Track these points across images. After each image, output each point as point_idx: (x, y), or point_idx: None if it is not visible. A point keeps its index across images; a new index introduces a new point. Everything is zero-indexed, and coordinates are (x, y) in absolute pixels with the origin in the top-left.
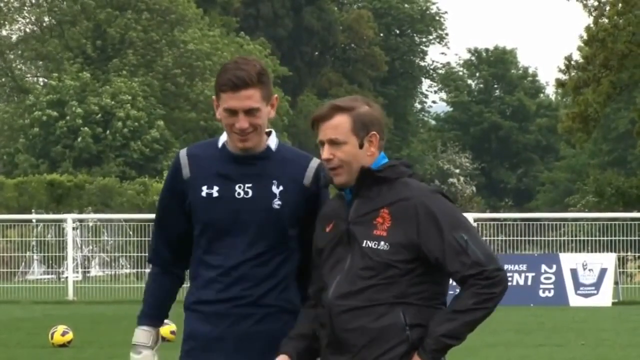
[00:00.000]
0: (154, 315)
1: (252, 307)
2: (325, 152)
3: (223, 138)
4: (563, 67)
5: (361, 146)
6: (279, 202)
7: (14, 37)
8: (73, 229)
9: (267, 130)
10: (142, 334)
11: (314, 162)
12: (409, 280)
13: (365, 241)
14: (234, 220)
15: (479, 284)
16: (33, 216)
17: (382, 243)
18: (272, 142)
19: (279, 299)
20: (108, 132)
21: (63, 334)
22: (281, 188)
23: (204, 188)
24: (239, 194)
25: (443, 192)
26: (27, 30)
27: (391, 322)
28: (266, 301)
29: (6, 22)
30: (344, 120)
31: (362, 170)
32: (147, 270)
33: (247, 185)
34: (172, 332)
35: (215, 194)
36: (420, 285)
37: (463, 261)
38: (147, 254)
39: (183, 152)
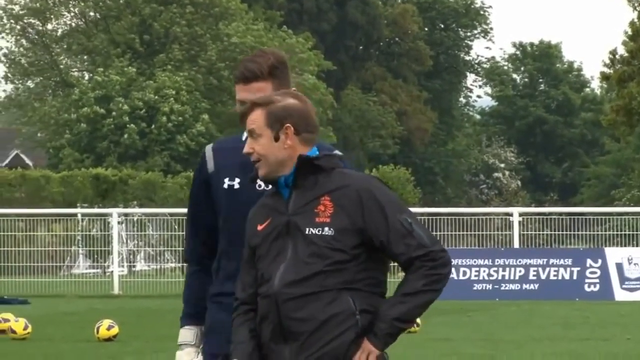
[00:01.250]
0: (196, 314)
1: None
2: (246, 147)
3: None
4: (608, 61)
5: (277, 139)
6: None
7: (60, 31)
8: (118, 223)
9: None
10: (186, 333)
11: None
12: (356, 267)
13: (308, 229)
14: None
15: (427, 265)
16: (78, 210)
17: (327, 229)
18: None
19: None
20: (153, 126)
21: (108, 328)
22: None
23: (226, 180)
24: (259, 185)
25: (380, 179)
26: (73, 24)
27: (341, 308)
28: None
29: (52, 16)
30: (259, 114)
31: (300, 158)
32: None
33: None
34: None
35: (237, 186)
36: (366, 271)
37: (409, 243)
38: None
39: (209, 147)
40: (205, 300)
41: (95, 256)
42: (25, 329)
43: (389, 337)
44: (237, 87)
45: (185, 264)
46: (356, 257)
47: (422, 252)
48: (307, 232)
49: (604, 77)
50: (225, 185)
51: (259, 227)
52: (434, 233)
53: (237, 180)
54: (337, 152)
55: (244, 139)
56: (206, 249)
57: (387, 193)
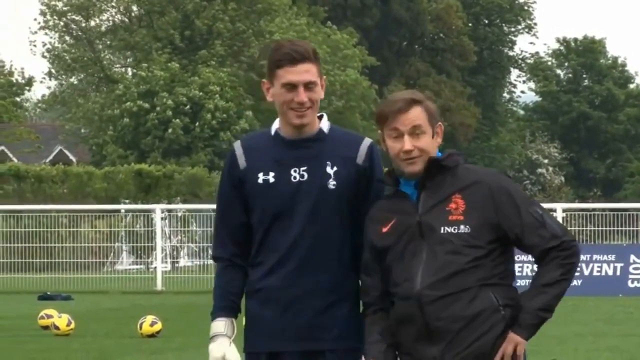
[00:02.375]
0: (226, 307)
1: (315, 294)
2: (406, 144)
3: (275, 125)
4: None
5: (433, 136)
6: (334, 182)
7: (103, 27)
8: (162, 219)
9: (318, 114)
10: (217, 324)
11: (367, 141)
12: (492, 262)
13: (442, 228)
14: (292, 204)
15: (561, 255)
16: (121, 206)
17: (462, 227)
18: (325, 125)
19: (341, 283)
20: (197, 123)
21: (152, 324)
22: (335, 168)
23: (260, 175)
24: (294, 177)
25: (506, 173)
26: (116, 20)
27: (484, 305)
28: (330, 287)
29: (95, 12)
30: (419, 111)
31: (430, 160)
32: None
33: (302, 168)
34: None
35: (272, 180)
36: (501, 265)
37: (542, 234)
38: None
39: (237, 144)
40: (235, 294)
41: (139, 252)
42: (68, 325)
43: (533, 327)
44: (282, 71)
45: (214, 262)
46: (491, 252)
47: (556, 242)
48: (442, 231)
49: None
50: (260, 180)
51: (383, 230)
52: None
53: (272, 174)
54: (453, 149)
55: (272, 133)
56: (236, 246)
57: (515, 186)
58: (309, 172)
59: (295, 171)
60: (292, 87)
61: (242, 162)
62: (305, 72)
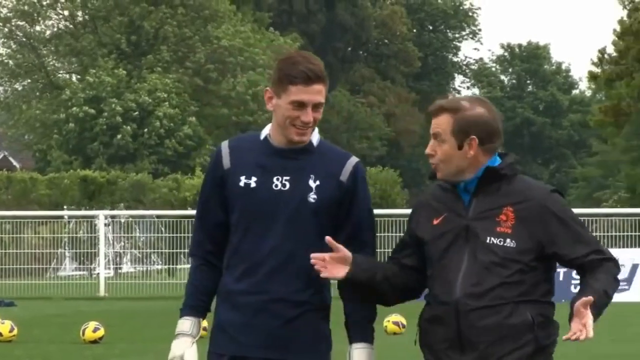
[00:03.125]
0: (195, 306)
1: (285, 303)
2: (429, 147)
3: (266, 131)
4: (596, 60)
5: (460, 147)
6: (315, 196)
7: (48, 33)
8: (105, 225)
9: None
10: (183, 323)
11: (353, 160)
12: (533, 278)
13: (488, 237)
14: (270, 212)
15: (611, 266)
16: (65, 212)
17: (508, 240)
18: (314, 137)
19: (312, 297)
20: (145, 130)
21: (94, 330)
22: (318, 182)
23: (242, 178)
24: (276, 185)
25: (559, 191)
26: (61, 26)
27: (520, 320)
28: (300, 298)
29: (40, 18)
30: (446, 120)
31: (487, 169)
32: (179, 267)
33: (285, 177)
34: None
35: (253, 185)
36: (541, 283)
37: (589, 246)
38: (179, 250)
39: (225, 143)
40: (206, 294)
41: (82, 258)
42: (11, 331)
43: (599, 312)
44: (295, 88)
45: (190, 258)
46: (533, 269)
47: (601, 256)
48: (487, 241)
49: (592, 76)
50: (242, 183)
51: (435, 221)
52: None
53: (254, 179)
54: (513, 156)
55: (262, 138)
56: (212, 245)
57: (564, 206)
58: (291, 182)
59: (277, 179)
60: (301, 105)
61: (226, 162)
62: (317, 93)
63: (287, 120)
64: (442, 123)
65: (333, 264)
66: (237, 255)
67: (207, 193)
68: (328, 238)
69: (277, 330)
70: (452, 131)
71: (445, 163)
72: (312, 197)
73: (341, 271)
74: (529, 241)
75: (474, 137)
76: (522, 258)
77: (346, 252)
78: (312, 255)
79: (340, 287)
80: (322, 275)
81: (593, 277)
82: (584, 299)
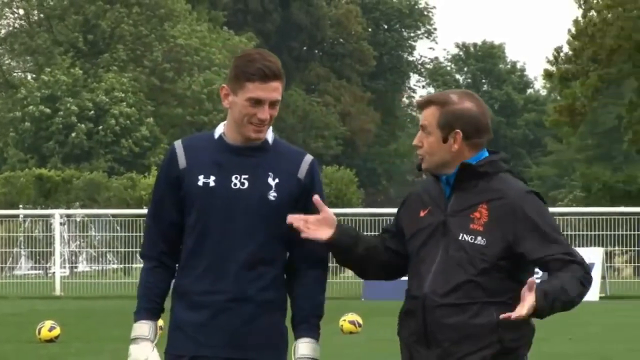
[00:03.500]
0: (151, 309)
1: (246, 302)
2: (416, 138)
3: (220, 130)
4: (552, 59)
5: (445, 140)
6: (275, 194)
7: (3, 32)
8: (61, 224)
9: None
10: (141, 327)
11: (308, 157)
12: (501, 279)
13: (461, 234)
14: (229, 211)
15: (580, 270)
16: (20, 211)
17: (479, 238)
18: (269, 135)
19: (272, 295)
20: (100, 128)
21: (50, 330)
22: (277, 180)
23: (201, 177)
24: (235, 184)
25: (537, 192)
26: (17, 25)
27: (485, 321)
28: (261, 297)
29: None
30: (432, 113)
31: (462, 165)
32: (135, 266)
33: (243, 176)
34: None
35: (212, 184)
36: (510, 285)
37: (559, 248)
38: (134, 249)
39: (178, 143)
40: (161, 296)
41: (37, 257)
42: None
43: (553, 303)
44: (252, 85)
45: (142, 259)
46: (502, 269)
47: (576, 259)
48: (459, 238)
49: (547, 74)
50: (200, 183)
51: (422, 213)
52: (377, 233)
53: (213, 178)
54: (501, 154)
55: (216, 137)
56: (166, 246)
57: (539, 209)
58: (249, 180)
59: (236, 178)
60: (257, 103)
61: (182, 161)
62: (274, 90)
63: (244, 118)
64: (429, 115)
65: (317, 224)
66: (196, 255)
67: (161, 193)
68: (315, 197)
69: (238, 330)
70: (437, 124)
71: (430, 155)
72: (272, 195)
73: (325, 233)
74: (499, 240)
75: (459, 131)
76: (491, 256)
77: (330, 214)
78: (291, 216)
79: (290, 281)
80: (304, 235)
81: (555, 275)
82: (529, 280)
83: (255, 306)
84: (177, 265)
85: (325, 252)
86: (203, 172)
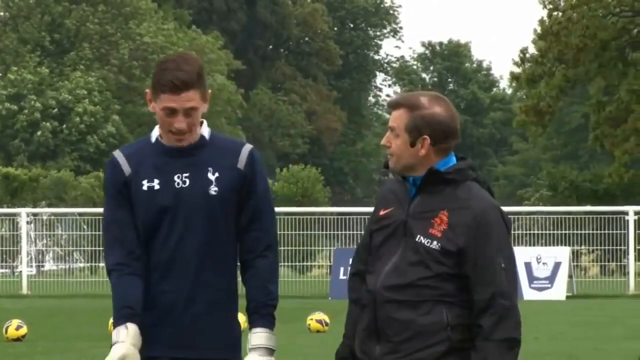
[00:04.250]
0: (129, 314)
1: (198, 299)
2: (385, 138)
3: (155, 133)
4: (518, 60)
5: (412, 145)
6: (216, 189)
7: None
8: (27, 223)
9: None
10: (118, 332)
11: (247, 147)
12: (455, 283)
13: (419, 236)
14: (175, 211)
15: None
16: None
17: (435, 243)
18: (205, 131)
19: (225, 290)
20: (65, 126)
21: (17, 328)
22: (217, 174)
23: (145, 182)
24: (178, 184)
25: (501, 210)
26: None
27: (434, 319)
28: (213, 293)
29: None
30: (401, 115)
31: (430, 170)
32: (102, 264)
33: (184, 175)
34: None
35: (157, 187)
36: (464, 290)
37: (488, 288)
38: (101, 248)
39: (117, 152)
40: (135, 301)
41: (4, 256)
42: None
43: None
44: (164, 96)
45: (111, 273)
46: (455, 275)
47: (496, 301)
48: (417, 240)
49: (514, 77)
50: (145, 187)
51: (381, 212)
52: (344, 232)
53: (157, 181)
54: (469, 162)
55: (153, 140)
56: (128, 251)
57: (499, 229)
58: (190, 178)
59: (178, 177)
60: (172, 112)
61: (126, 168)
62: (187, 100)
63: (164, 126)
64: (397, 118)
65: None
66: (148, 257)
67: (113, 201)
68: None
69: (187, 329)
70: (405, 127)
71: (397, 157)
72: (213, 189)
73: None
74: (455, 247)
75: (427, 137)
76: (444, 261)
77: None
78: None
79: (243, 272)
80: None
81: (477, 343)
82: None
83: (205, 304)
84: (141, 269)
85: (272, 239)
86: (146, 177)
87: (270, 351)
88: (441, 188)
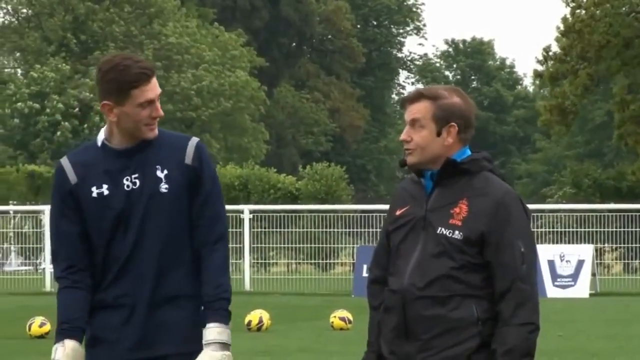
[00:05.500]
0: (66, 329)
1: (158, 301)
2: (404, 133)
3: (101, 136)
4: (541, 58)
5: (439, 134)
6: (166, 186)
7: None
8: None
9: None
10: (56, 350)
11: (194, 140)
12: (480, 274)
13: (440, 228)
14: (128, 213)
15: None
16: (10, 207)
17: (457, 232)
18: None
19: (185, 289)
20: (85, 125)
21: (41, 325)
22: (166, 172)
23: (94, 189)
24: (128, 186)
25: (520, 197)
26: (5, 21)
27: (464, 314)
28: (173, 293)
29: None
30: (425, 106)
31: (447, 161)
32: None
33: (133, 176)
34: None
35: (106, 192)
36: (488, 281)
37: (507, 274)
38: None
39: (64, 160)
40: (82, 314)
41: (28, 253)
42: None
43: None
44: (138, 91)
45: (58, 280)
46: (480, 265)
47: (515, 285)
48: (438, 231)
49: (537, 75)
50: (95, 194)
51: (397, 212)
52: (367, 230)
53: (106, 186)
54: (484, 153)
55: (99, 144)
56: (78, 261)
57: (519, 214)
58: (140, 178)
59: (127, 179)
60: (150, 103)
61: (72, 177)
62: (156, 85)
63: (139, 123)
64: (421, 109)
65: None
66: (104, 264)
67: (60, 213)
68: None
69: (148, 330)
70: (432, 117)
71: (422, 149)
72: (163, 187)
73: None
74: (476, 235)
75: (454, 124)
76: (467, 251)
77: None
78: None
79: (202, 267)
80: None
81: (499, 328)
82: None
83: (165, 304)
84: (91, 281)
85: (223, 229)
86: (95, 183)
87: (224, 345)
88: (457, 179)
